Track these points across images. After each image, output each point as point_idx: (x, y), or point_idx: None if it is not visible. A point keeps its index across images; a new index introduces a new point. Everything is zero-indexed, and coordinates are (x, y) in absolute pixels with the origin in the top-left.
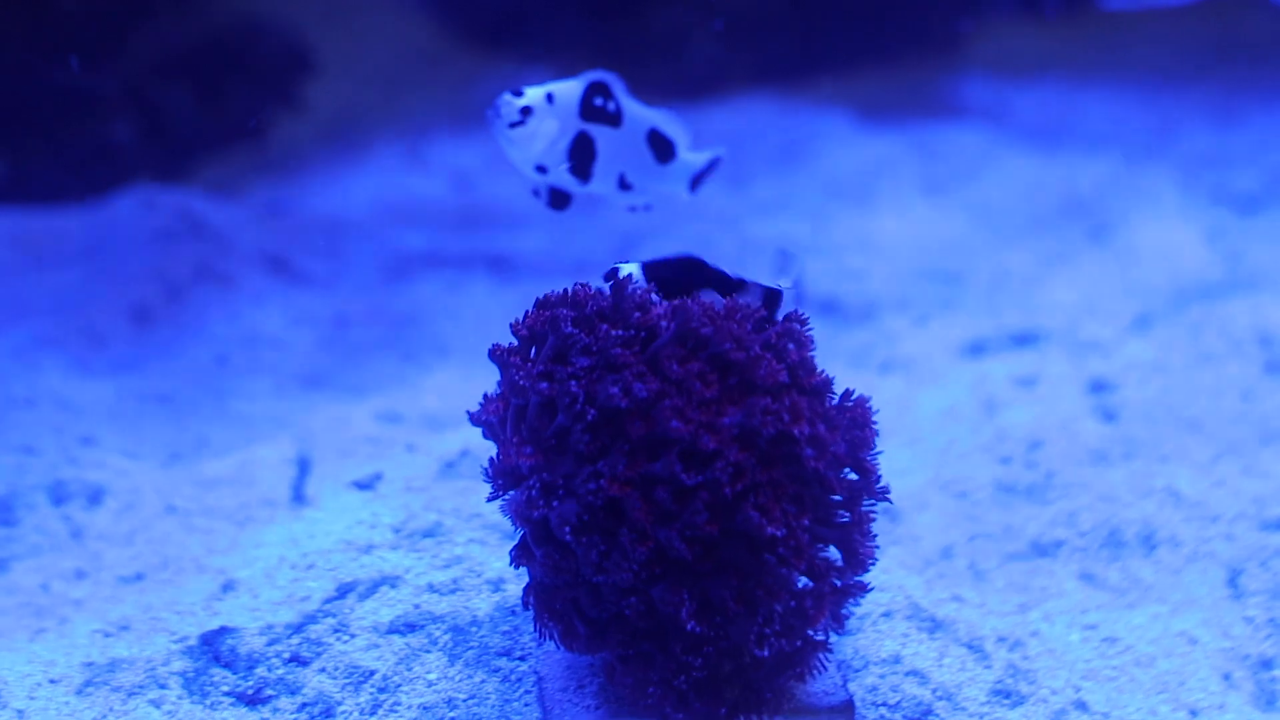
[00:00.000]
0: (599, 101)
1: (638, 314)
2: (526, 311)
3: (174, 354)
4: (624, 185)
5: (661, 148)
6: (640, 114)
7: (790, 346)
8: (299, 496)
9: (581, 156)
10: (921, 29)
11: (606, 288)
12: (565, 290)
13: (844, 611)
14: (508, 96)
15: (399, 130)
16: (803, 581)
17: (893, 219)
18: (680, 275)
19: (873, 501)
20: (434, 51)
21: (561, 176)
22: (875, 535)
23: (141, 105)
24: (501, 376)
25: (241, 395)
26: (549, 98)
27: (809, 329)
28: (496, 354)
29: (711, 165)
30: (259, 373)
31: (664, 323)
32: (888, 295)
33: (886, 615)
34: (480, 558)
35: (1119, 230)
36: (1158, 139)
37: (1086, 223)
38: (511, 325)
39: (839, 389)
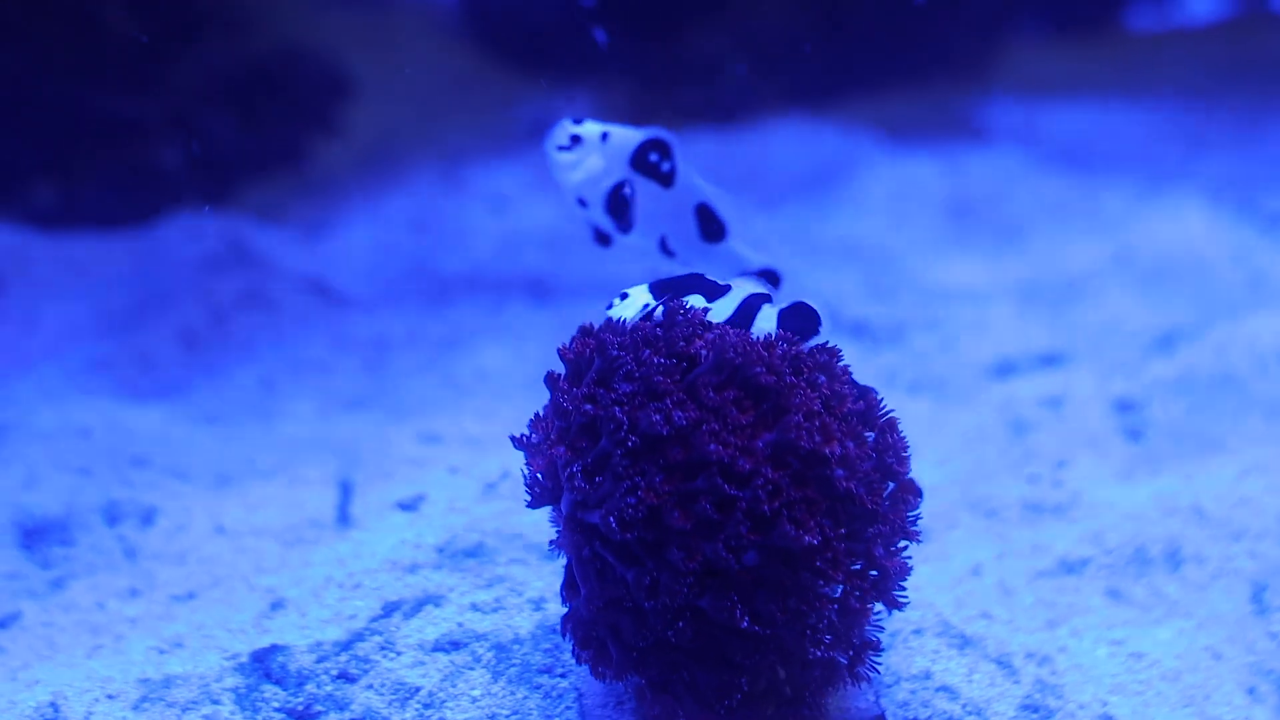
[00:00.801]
0: (653, 157)
1: (682, 344)
2: (573, 337)
3: (221, 377)
4: (666, 249)
5: (710, 225)
6: (695, 184)
7: (821, 378)
8: (344, 517)
9: (620, 204)
10: (948, 51)
11: (610, 316)
12: (608, 319)
13: (879, 624)
14: (566, 121)
15: (436, 153)
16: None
17: (921, 241)
18: (677, 284)
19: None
20: (470, 75)
21: (598, 217)
22: (907, 550)
23: (186, 131)
24: (549, 399)
25: (287, 417)
26: (604, 136)
27: (842, 361)
28: (548, 378)
29: (764, 276)
30: (303, 395)
31: (704, 352)
32: (917, 316)
33: (917, 632)
34: (521, 577)
35: (1145, 250)
36: (1183, 158)
37: (1113, 243)
38: (559, 350)
39: None
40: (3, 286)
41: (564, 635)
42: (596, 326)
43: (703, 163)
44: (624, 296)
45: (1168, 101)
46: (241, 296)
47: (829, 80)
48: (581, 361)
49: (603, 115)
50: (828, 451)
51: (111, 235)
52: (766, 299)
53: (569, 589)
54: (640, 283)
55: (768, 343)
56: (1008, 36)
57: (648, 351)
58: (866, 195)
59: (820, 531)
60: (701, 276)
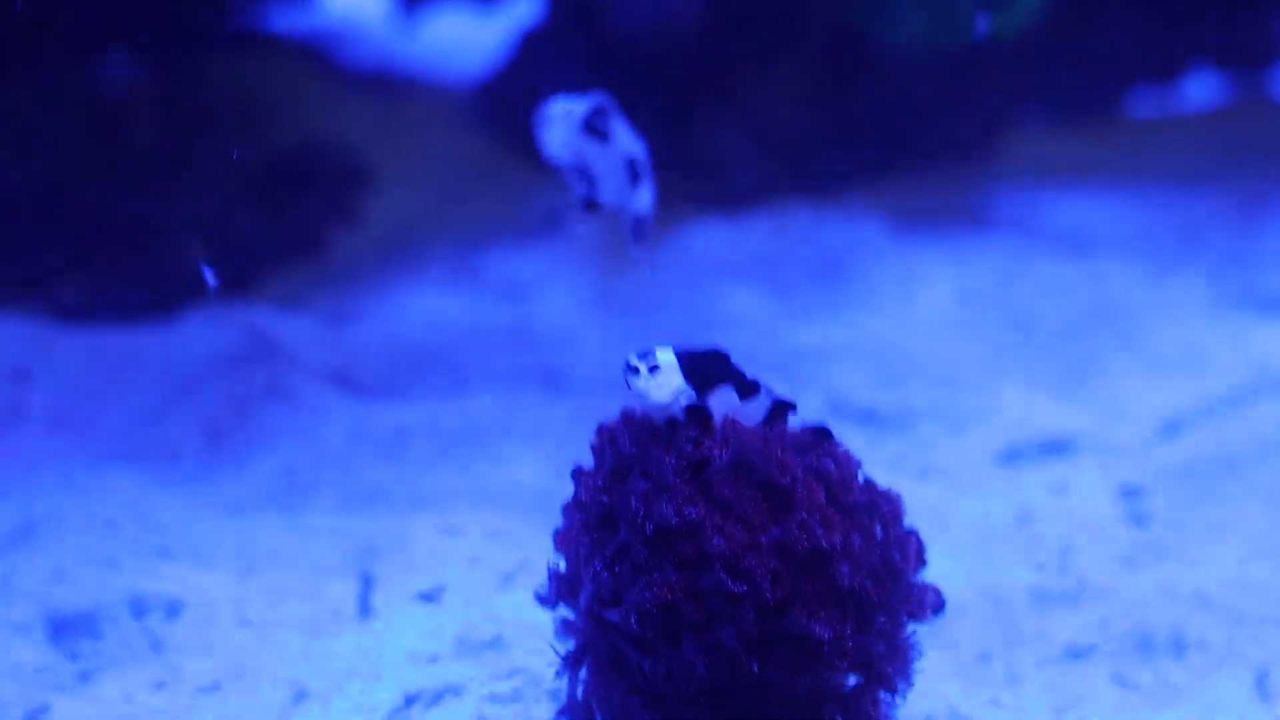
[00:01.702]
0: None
1: (690, 446)
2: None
3: (244, 469)
4: None
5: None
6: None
7: (830, 465)
8: (365, 608)
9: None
10: (953, 139)
11: (628, 380)
12: (623, 414)
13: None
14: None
15: (453, 242)
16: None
17: (927, 328)
18: (706, 366)
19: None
20: (487, 166)
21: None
22: (915, 642)
23: (208, 225)
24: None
25: (308, 508)
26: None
27: (846, 452)
28: (573, 472)
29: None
30: (324, 486)
31: (717, 451)
32: (923, 404)
33: (928, 719)
34: (539, 669)
35: (1147, 335)
36: (1184, 243)
37: (1116, 328)
38: (590, 444)
39: None
40: (30, 379)
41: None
42: (610, 422)
43: (713, 252)
44: (653, 368)
45: (1168, 187)
46: (263, 388)
47: (837, 169)
48: (599, 455)
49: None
50: (826, 545)
51: (136, 329)
52: (792, 408)
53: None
54: (652, 351)
55: (776, 438)
56: (1011, 125)
57: (657, 452)
58: (874, 284)
59: (829, 624)
60: (728, 358)
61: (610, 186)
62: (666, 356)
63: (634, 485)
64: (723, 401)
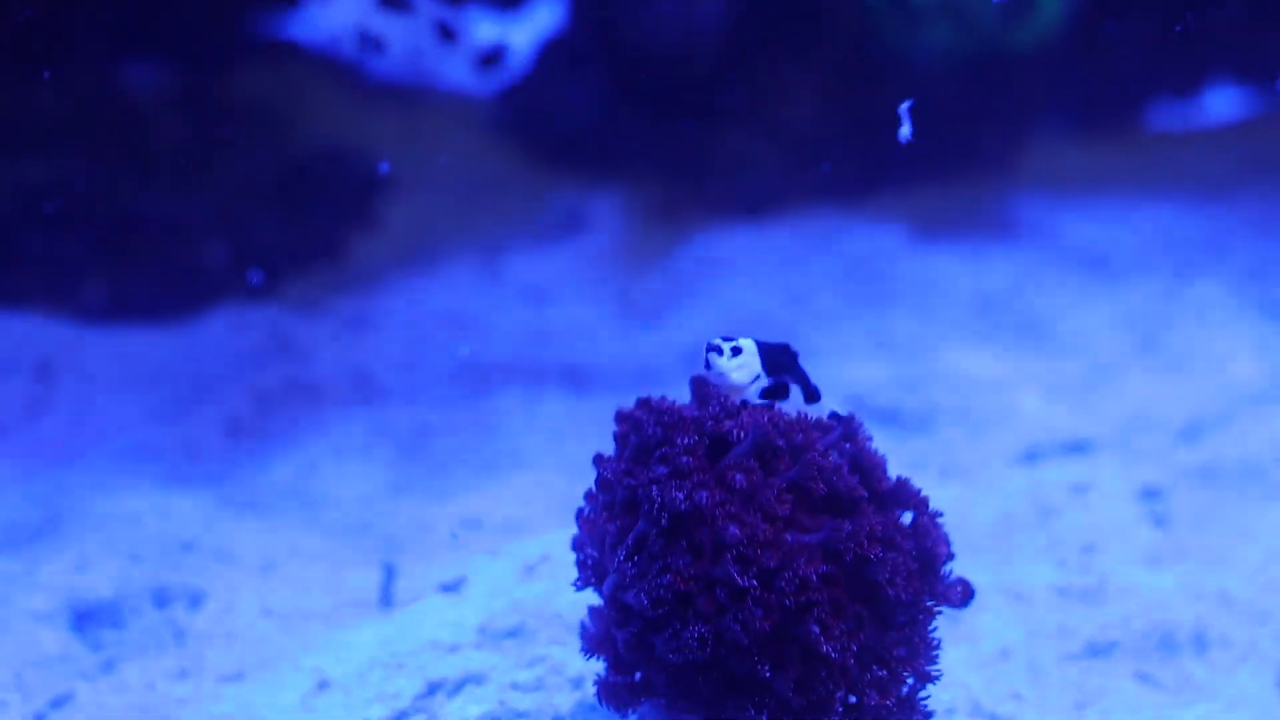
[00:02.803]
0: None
1: (711, 423)
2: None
3: (265, 465)
4: None
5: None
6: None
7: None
8: (387, 599)
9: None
10: (975, 149)
11: (709, 360)
12: (645, 399)
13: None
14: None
15: (472, 247)
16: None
17: (948, 333)
18: (779, 358)
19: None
20: (506, 171)
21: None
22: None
23: (230, 228)
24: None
25: (329, 505)
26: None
27: (873, 443)
28: (595, 459)
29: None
30: (345, 482)
31: (736, 432)
32: (945, 406)
33: (950, 712)
34: (561, 657)
35: (1167, 342)
36: (1206, 253)
37: (1136, 335)
38: (614, 434)
39: None
40: (54, 378)
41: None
42: (632, 408)
43: (734, 255)
44: (735, 350)
45: (1189, 198)
46: (284, 386)
47: (858, 175)
48: (622, 440)
49: (634, 209)
50: (872, 555)
51: (158, 329)
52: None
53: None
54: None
55: (805, 426)
56: (1033, 135)
57: (678, 435)
58: (894, 289)
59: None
60: (796, 357)
61: None
62: (748, 343)
63: (654, 470)
64: (791, 403)
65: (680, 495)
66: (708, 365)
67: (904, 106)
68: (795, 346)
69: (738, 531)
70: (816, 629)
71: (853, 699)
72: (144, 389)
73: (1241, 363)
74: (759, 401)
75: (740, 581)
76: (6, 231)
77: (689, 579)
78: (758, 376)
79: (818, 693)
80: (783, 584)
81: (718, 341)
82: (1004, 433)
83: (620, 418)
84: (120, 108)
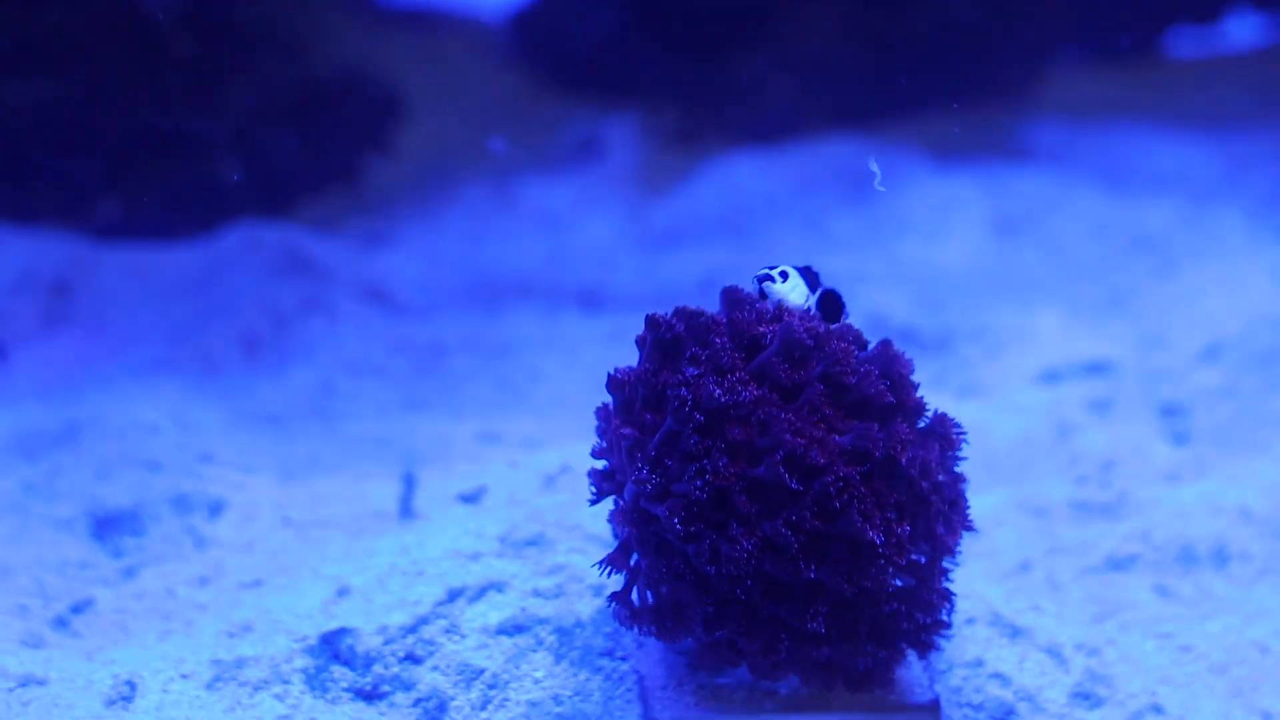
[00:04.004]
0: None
1: (745, 327)
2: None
3: (283, 379)
4: None
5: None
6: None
7: (894, 367)
8: (407, 510)
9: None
10: (993, 74)
11: (765, 289)
12: (678, 307)
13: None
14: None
15: (487, 172)
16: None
17: (966, 255)
18: (814, 281)
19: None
20: (521, 96)
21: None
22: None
23: (246, 148)
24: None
25: (348, 417)
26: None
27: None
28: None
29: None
30: (363, 396)
31: (769, 336)
32: (962, 326)
33: (969, 622)
34: (581, 565)
35: (1187, 267)
36: (1223, 179)
37: (1155, 260)
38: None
39: None
40: (71, 295)
41: (620, 605)
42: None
43: (749, 180)
44: (784, 275)
45: (1208, 124)
46: (301, 303)
47: (874, 100)
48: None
49: (649, 134)
50: (904, 460)
51: (174, 246)
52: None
53: (621, 558)
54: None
55: (840, 334)
56: (1051, 62)
57: (715, 337)
58: (911, 211)
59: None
60: (817, 276)
61: None
62: (789, 270)
63: (685, 372)
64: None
65: (719, 392)
66: (762, 295)
67: (871, 161)
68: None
69: (792, 438)
70: (859, 519)
71: (898, 582)
72: (160, 305)
73: (1259, 285)
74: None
75: (792, 484)
76: (21, 150)
77: (730, 478)
78: (808, 296)
79: (870, 579)
80: (829, 481)
81: (766, 270)
82: (1023, 353)
83: (650, 322)
84: (130, 20)
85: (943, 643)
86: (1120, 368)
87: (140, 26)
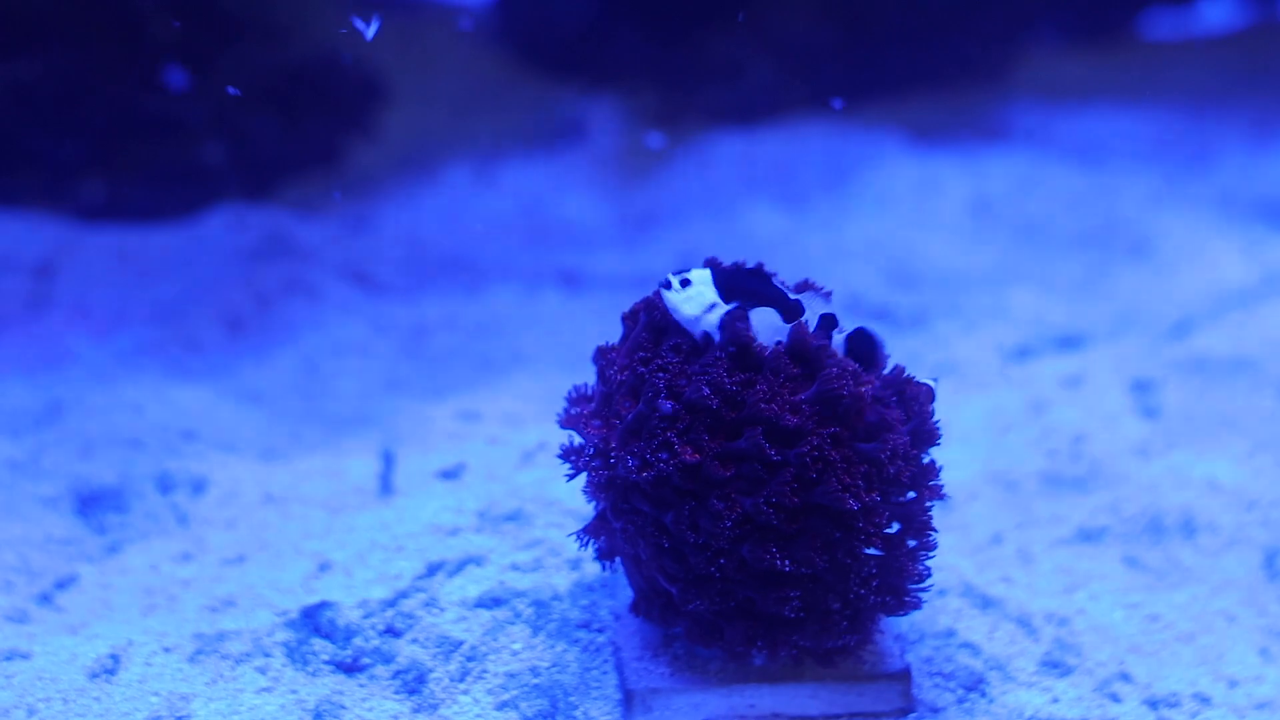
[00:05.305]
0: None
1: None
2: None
3: (265, 360)
4: None
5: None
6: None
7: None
8: (387, 486)
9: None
10: (969, 56)
11: (663, 292)
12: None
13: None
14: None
15: (469, 153)
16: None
17: (942, 234)
18: (746, 284)
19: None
20: (502, 79)
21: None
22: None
23: (228, 130)
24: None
25: (329, 397)
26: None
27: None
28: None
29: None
30: (345, 376)
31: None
32: (937, 304)
33: (941, 593)
34: (559, 540)
35: (1159, 244)
36: (1196, 159)
37: (1128, 238)
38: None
39: None
40: (54, 276)
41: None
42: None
43: (728, 162)
44: (685, 283)
45: (1181, 105)
46: (283, 284)
47: (852, 82)
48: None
49: (630, 117)
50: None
51: (157, 228)
52: (834, 323)
53: (599, 524)
54: (687, 270)
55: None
56: (1026, 44)
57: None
58: (889, 191)
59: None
60: (769, 279)
61: None
62: (699, 273)
63: (666, 357)
64: (764, 323)
65: (708, 390)
66: (660, 300)
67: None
68: (789, 251)
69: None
70: (837, 486)
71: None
72: (144, 287)
73: (1231, 263)
74: (716, 331)
75: (773, 455)
76: (4, 132)
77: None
78: (713, 305)
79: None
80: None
81: (669, 276)
82: (997, 329)
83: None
84: (115, 7)
85: (915, 614)
86: (1093, 342)
87: (123, 8)
